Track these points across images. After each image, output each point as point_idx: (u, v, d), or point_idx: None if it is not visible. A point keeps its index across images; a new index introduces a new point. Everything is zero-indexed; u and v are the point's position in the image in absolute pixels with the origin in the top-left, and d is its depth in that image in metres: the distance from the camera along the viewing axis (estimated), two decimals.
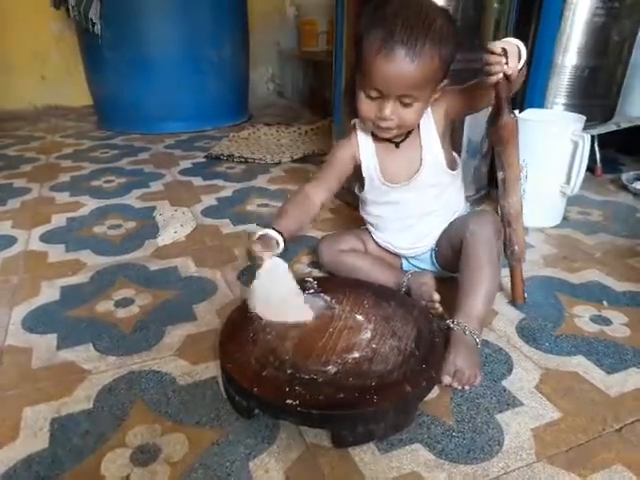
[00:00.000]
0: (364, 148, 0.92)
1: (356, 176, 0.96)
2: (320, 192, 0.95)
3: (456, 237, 0.88)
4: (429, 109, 0.86)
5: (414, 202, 0.92)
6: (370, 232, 1.00)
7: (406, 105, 0.79)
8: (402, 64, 0.74)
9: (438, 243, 0.95)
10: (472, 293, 0.81)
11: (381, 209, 0.95)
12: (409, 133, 0.88)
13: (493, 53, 0.74)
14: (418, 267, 0.99)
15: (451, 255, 0.91)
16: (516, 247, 0.89)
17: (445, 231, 0.94)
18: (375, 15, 0.76)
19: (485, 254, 0.82)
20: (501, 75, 0.75)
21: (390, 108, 0.79)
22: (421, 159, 0.89)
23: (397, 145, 0.89)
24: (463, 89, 0.87)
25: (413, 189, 0.90)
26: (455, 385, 0.74)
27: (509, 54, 0.74)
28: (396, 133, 0.84)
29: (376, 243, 1.00)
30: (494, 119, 0.82)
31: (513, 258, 0.90)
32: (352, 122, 0.93)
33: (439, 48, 0.75)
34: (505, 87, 0.78)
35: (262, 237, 0.85)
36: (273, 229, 0.86)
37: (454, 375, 0.74)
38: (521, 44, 0.77)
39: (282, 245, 0.85)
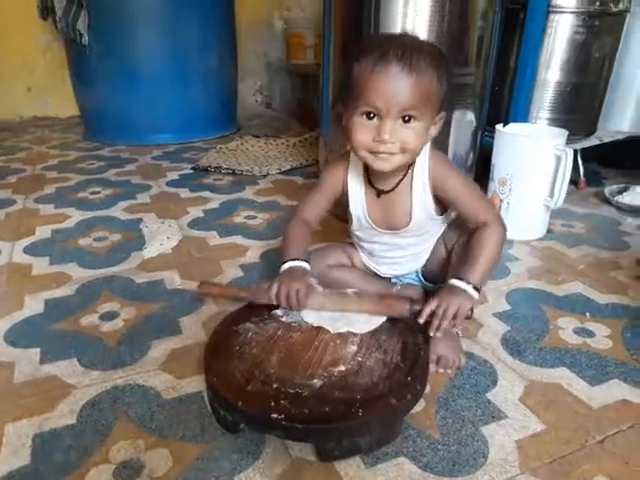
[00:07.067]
0: (353, 190, 0.88)
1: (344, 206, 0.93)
2: (314, 214, 0.93)
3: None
4: (427, 167, 0.82)
5: (402, 246, 0.91)
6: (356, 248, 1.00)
7: (406, 122, 0.73)
8: (399, 76, 0.71)
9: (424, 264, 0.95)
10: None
11: (368, 245, 0.94)
12: (400, 182, 0.83)
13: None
14: (403, 281, 1.00)
15: (443, 259, 0.91)
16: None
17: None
18: (365, 45, 0.76)
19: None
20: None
21: (389, 126, 0.72)
22: (410, 214, 0.85)
23: (386, 192, 0.85)
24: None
25: (402, 236, 0.89)
26: (441, 370, 0.80)
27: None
28: (397, 162, 0.76)
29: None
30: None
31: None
32: (348, 148, 0.85)
33: (435, 68, 0.72)
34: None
35: (289, 271, 0.83)
36: (293, 260, 0.85)
37: (438, 362, 0.80)
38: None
39: (309, 269, 0.85)
